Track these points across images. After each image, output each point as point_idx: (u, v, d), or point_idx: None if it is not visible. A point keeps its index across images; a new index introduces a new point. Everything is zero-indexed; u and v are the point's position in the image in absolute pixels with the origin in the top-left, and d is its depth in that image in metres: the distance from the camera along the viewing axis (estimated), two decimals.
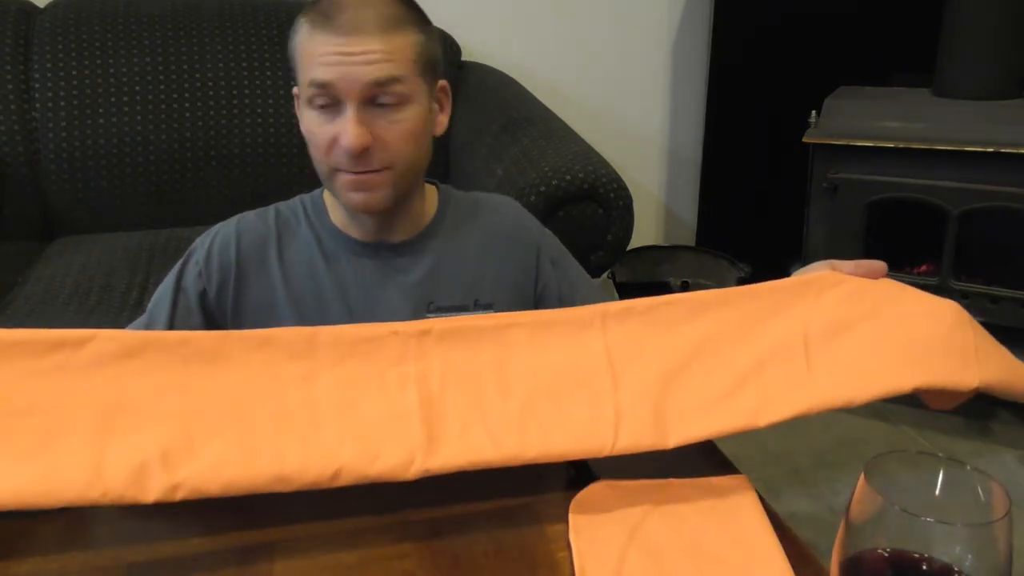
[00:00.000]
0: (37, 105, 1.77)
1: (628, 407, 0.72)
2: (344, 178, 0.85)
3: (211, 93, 1.85)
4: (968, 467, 0.49)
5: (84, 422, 0.66)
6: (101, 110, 1.79)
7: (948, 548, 0.46)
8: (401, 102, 0.83)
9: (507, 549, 0.66)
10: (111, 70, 1.80)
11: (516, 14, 2.28)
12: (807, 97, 1.97)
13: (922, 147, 1.80)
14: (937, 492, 0.50)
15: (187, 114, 1.83)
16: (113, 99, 1.79)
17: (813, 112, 1.94)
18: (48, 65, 1.78)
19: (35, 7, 1.88)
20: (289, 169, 1.90)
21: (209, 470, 0.65)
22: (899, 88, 2.08)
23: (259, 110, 1.87)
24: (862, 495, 0.47)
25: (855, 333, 0.75)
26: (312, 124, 0.84)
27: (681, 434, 0.71)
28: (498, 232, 0.96)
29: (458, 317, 0.77)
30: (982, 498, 0.48)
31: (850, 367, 0.73)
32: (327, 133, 0.83)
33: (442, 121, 0.92)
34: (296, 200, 0.96)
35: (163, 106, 1.82)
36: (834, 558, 0.49)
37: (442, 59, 0.90)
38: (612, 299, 0.86)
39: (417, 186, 0.92)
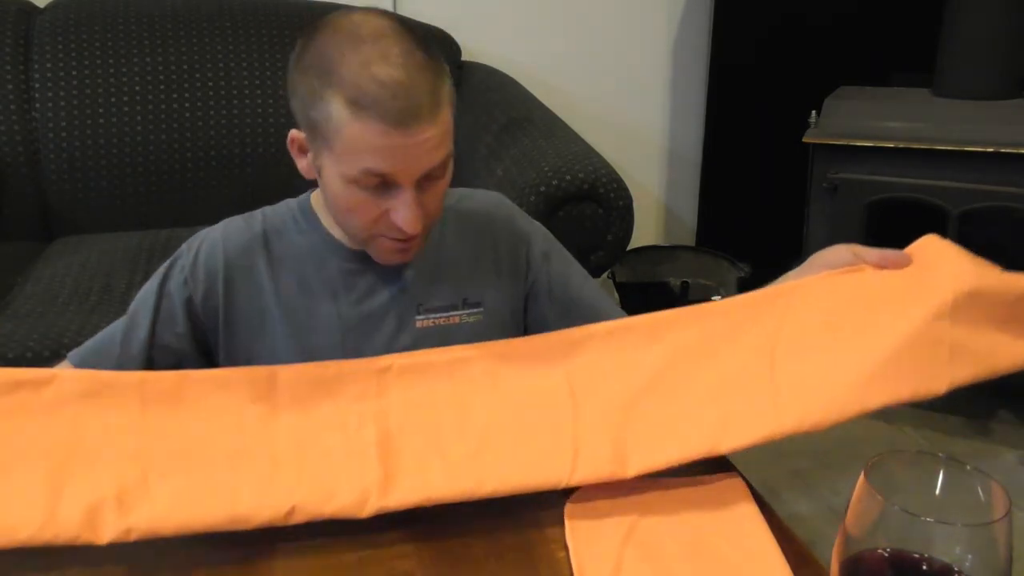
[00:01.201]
0: (37, 105, 1.77)
1: (587, 437, 0.73)
2: (386, 244, 0.84)
3: (211, 93, 1.85)
4: (968, 467, 0.49)
5: (40, 462, 0.67)
6: (101, 110, 1.79)
7: (948, 548, 0.46)
8: (446, 169, 0.82)
9: (507, 549, 0.66)
10: (111, 70, 1.80)
11: (516, 14, 2.28)
12: (807, 97, 1.97)
13: (922, 147, 1.80)
14: (937, 492, 0.50)
15: (187, 114, 1.83)
16: (113, 99, 1.79)
17: (813, 112, 1.94)
18: (48, 65, 1.78)
19: (35, 7, 1.88)
20: (289, 169, 1.87)
21: (163, 510, 0.66)
22: (899, 88, 2.08)
23: (259, 110, 1.87)
24: (862, 495, 0.47)
25: (823, 351, 0.73)
26: (356, 198, 0.80)
27: (640, 463, 0.71)
28: (484, 231, 0.96)
29: (418, 352, 0.79)
30: (982, 498, 0.48)
31: (817, 388, 0.71)
32: (376, 207, 0.80)
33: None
34: (284, 205, 0.95)
35: (163, 106, 1.82)
36: (834, 558, 0.49)
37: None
38: (611, 297, 0.86)
39: None
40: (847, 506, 0.48)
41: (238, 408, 0.73)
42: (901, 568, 0.47)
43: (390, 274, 0.91)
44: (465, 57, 2.15)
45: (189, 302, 0.89)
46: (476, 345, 0.80)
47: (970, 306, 0.70)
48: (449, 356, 0.78)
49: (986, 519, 0.45)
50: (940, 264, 0.75)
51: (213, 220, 0.95)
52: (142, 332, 0.89)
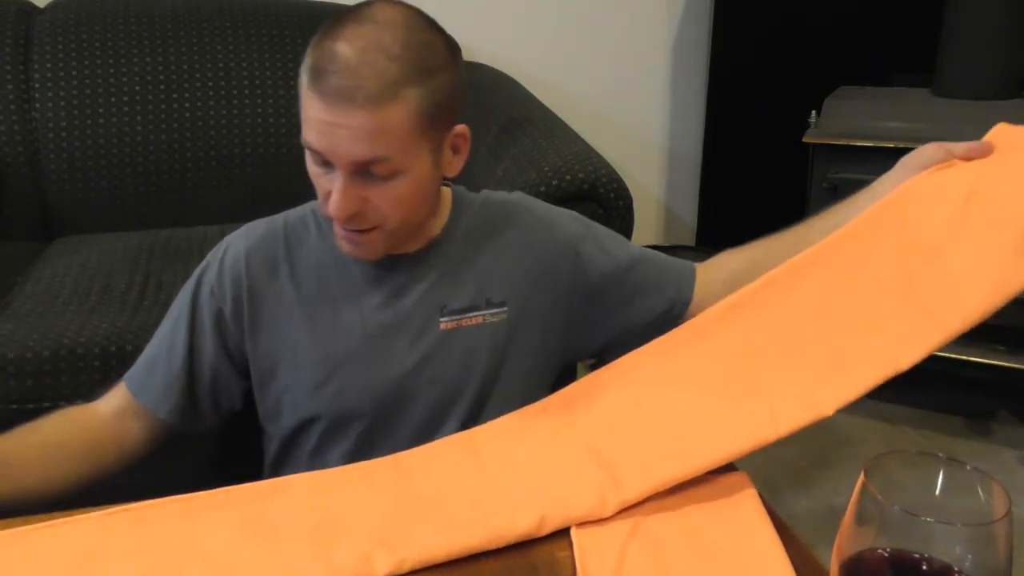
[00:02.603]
0: (37, 105, 1.77)
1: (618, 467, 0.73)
2: (335, 227, 0.85)
3: (211, 93, 1.85)
4: (968, 467, 0.49)
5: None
6: (101, 110, 1.78)
7: (948, 548, 0.45)
8: (393, 173, 0.79)
9: (507, 549, 0.66)
10: (111, 70, 1.80)
11: (516, 14, 2.28)
12: (807, 97, 1.97)
13: None
14: (937, 492, 0.50)
15: (187, 114, 1.83)
16: (113, 99, 1.79)
17: (813, 112, 1.94)
18: (48, 65, 1.78)
19: (35, 7, 1.88)
20: (289, 169, 1.89)
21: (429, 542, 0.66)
22: (899, 88, 2.08)
23: (259, 110, 1.87)
24: (862, 495, 0.47)
25: (956, 248, 0.75)
26: (311, 170, 0.82)
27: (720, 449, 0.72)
28: (509, 231, 0.95)
29: (439, 442, 0.79)
30: (982, 498, 0.48)
31: (968, 281, 0.73)
32: (323, 186, 0.81)
33: (456, 165, 0.88)
34: (306, 207, 0.95)
35: (163, 106, 1.82)
36: (834, 558, 0.49)
37: (460, 99, 0.84)
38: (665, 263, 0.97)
39: (426, 217, 0.90)
40: (847, 506, 0.48)
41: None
42: (901, 568, 0.47)
43: (412, 277, 0.90)
44: (465, 57, 2.14)
45: (219, 315, 0.90)
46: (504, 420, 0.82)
47: None
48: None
49: (986, 519, 0.45)
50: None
51: (213, 220, 0.95)
52: (180, 347, 0.89)
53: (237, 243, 0.92)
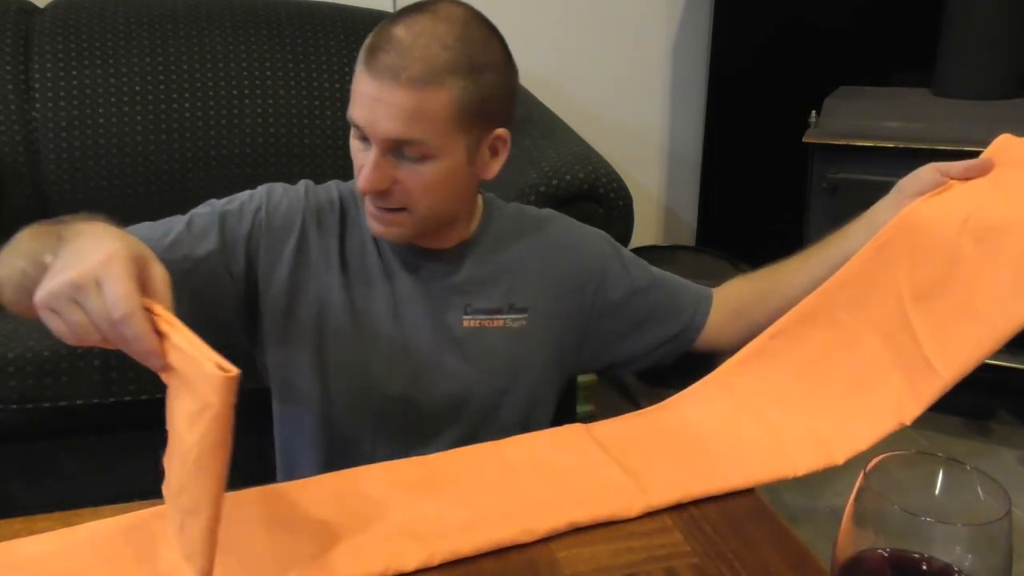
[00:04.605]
0: (37, 105, 1.77)
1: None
2: (367, 204, 0.86)
3: (211, 93, 1.85)
4: (968, 467, 0.49)
5: None
6: (101, 110, 1.78)
7: (948, 548, 0.46)
8: (424, 156, 0.81)
9: (507, 549, 0.66)
10: (111, 70, 1.80)
11: (516, 14, 2.28)
12: (807, 97, 1.97)
13: (922, 147, 1.80)
14: (937, 492, 0.50)
15: (187, 114, 1.83)
16: (113, 99, 1.79)
17: (813, 112, 1.94)
18: (48, 65, 1.78)
19: (35, 7, 1.88)
20: (289, 169, 1.90)
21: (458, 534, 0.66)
22: (899, 88, 2.08)
23: (259, 110, 1.87)
24: (862, 495, 0.47)
25: (957, 286, 0.75)
26: (353, 145, 0.85)
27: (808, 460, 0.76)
28: (540, 242, 0.96)
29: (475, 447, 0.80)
30: (982, 498, 0.48)
31: (974, 319, 0.73)
32: (360, 161, 0.83)
33: (494, 167, 0.89)
34: (350, 185, 0.95)
35: (163, 106, 1.82)
36: (834, 558, 0.49)
37: (507, 103, 0.86)
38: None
39: (459, 214, 0.91)
40: (847, 506, 0.48)
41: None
42: (901, 568, 0.47)
43: (442, 273, 0.92)
44: None
45: (254, 231, 0.88)
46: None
47: None
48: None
49: (986, 519, 0.45)
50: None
51: None
52: (197, 247, 0.85)
53: (296, 189, 0.92)
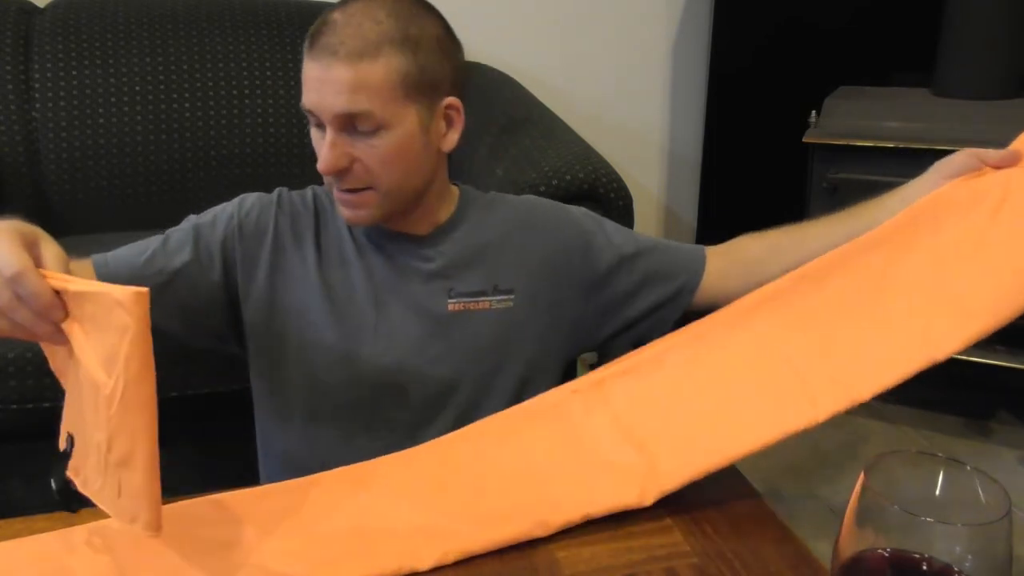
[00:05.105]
0: (37, 105, 1.76)
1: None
2: (335, 193, 0.88)
3: (211, 93, 1.85)
4: (968, 467, 0.49)
5: None
6: (101, 110, 1.78)
7: (948, 548, 0.46)
8: (377, 128, 0.84)
9: (507, 549, 0.66)
10: (111, 70, 1.80)
11: (516, 14, 2.28)
12: (807, 97, 1.97)
13: (922, 147, 1.79)
14: (937, 492, 0.50)
15: (187, 114, 1.83)
16: (113, 99, 1.79)
17: (813, 112, 1.94)
18: (48, 65, 1.78)
19: (35, 7, 1.88)
20: (289, 169, 1.90)
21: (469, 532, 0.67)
22: (899, 88, 2.08)
23: (259, 110, 1.87)
24: (862, 495, 0.47)
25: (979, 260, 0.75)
26: (313, 135, 0.87)
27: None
28: (519, 222, 0.98)
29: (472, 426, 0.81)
30: (982, 498, 0.48)
31: (990, 288, 0.73)
32: (319, 148, 0.86)
33: (451, 138, 0.92)
34: (325, 186, 0.96)
35: (163, 106, 1.82)
36: (834, 558, 0.49)
37: (451, 75, 0.89)
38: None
39: (428, 194, 0.93)
40: (847, 506, 0.48)
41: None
42: (901, 568, 0.47)
43: (421, 257, 0.93)
44: (466, 57, 2.15)
45: (228, 239, 0.91)
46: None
47: None
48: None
49: (986, 519, 0.45)
50: None
51: None
52: (173, 259, 0.88)
53: (266, 198, 0.95)
